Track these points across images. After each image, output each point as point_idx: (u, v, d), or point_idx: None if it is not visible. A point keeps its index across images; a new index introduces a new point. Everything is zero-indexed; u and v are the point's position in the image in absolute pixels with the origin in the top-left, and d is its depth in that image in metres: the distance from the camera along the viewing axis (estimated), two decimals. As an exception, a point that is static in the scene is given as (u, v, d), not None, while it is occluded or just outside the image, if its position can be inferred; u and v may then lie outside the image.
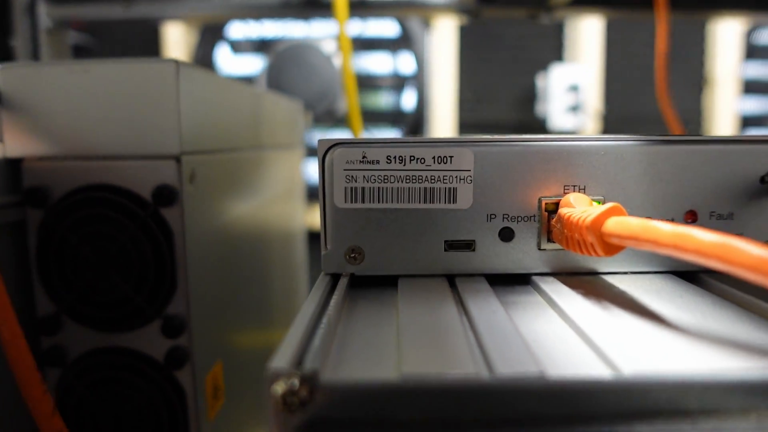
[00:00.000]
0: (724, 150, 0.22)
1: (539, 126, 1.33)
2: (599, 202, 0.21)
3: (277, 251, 0.51)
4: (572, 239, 0.20)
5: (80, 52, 0.87)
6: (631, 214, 0.21)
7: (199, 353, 0.33)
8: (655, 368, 0.13)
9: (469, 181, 0.21)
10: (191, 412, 0.33)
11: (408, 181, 0.21)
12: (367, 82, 1.36)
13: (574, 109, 1.22)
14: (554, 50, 1.35)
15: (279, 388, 0.12)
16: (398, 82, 1.34)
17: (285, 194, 0.53)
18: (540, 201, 0.21)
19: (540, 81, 1.32)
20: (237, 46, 1.33)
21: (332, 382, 0.13)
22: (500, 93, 1.35)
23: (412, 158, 0.21)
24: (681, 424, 0.13)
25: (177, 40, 1.23)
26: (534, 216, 0.21)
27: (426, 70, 1.29)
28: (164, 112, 0.30)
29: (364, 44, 1.32)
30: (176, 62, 0.29)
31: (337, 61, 1.29)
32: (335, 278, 0.21)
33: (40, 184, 0.31)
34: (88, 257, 0.31)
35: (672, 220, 0.22)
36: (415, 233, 0.21)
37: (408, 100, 1.32)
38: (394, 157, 0.21)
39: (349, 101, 0.54)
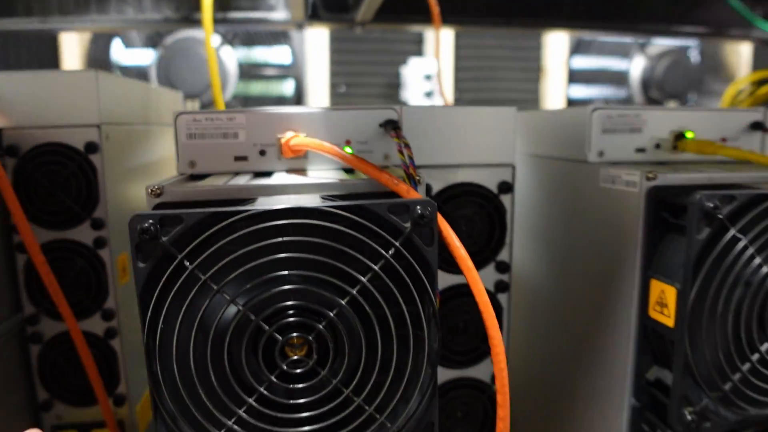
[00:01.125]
0: (363, 113, 0.51)
1: (402, 110, 1.64)
2: (305, 136, 0.50)
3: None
4: (285, 152, 0.48)
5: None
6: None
7: (113, 242, 0.59)
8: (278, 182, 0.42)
9: (243, 128, 0.50)
10: (110, 279, 0.59)
11: (215, 129, 0.49)
12: (251, 72, 1.62)
13: (429, 94, 1.54)
14: (415, 45, 1.66)
15: (149, 189, 0.40)
16: (279, 73, 1.61)
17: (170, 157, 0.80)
18: (277, 137, 0.50)
19: (404, 71, 1.63)
20: (129, 41, 1.55)
21: (167, 189, 0.41)
22: (369, 81, 1.65)
23: (217, 119, 0.49)
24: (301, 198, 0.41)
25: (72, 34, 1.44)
26: (275, 144, 0.50)
27: (302, 62, 1.58)
28: (90, 100, 0.56)
29: (248, 38, 1.59)
30: (96, 72, 0.56)
31: (223, 54, 1.54)
32: (182, 175, 0.49)
33: (14, 143, 0.56)
34: (45, 185, 0.57)
35: (339, 144, 0.51)
36: (219, 153, 0.50)
37: (288, 88, 1.59)
38: (208, 119, 0.49)
39: (215, 94, 0.81)
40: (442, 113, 0.54)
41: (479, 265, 0.54)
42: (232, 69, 1.55)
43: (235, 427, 0.37)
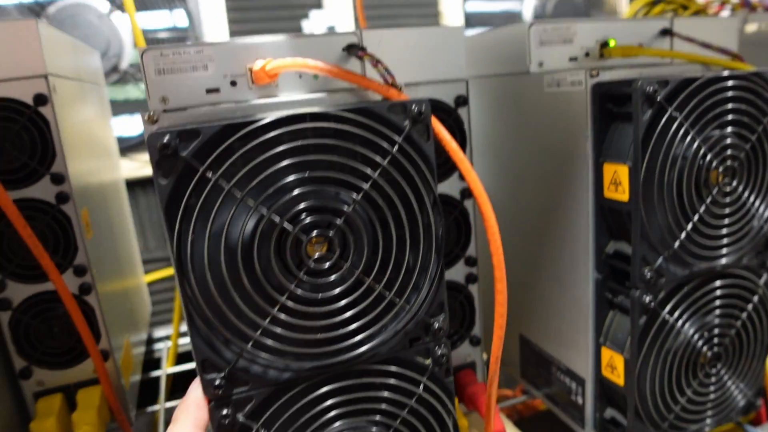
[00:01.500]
0: (325, 38, 0.54)
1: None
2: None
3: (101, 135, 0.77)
4: (260, 78, 0.51)
5: None
6: (288, 69, 0.53)
7: (76, 197, 0.59)
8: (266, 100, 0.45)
9: (212, 60, 0.51)
10: (76, 232, 0.59)
11: (184, 63, 0.51)
12: (147, 38, 1.57)
13: (335, 47, 1.57)
14: (314, -3, 1.67)
15: (145, 116, 0.42)
16: (175, 36, 1.57)
17: (99, 111, 0.79)
18: (247, 66, 0.52)
19: (305, 24, 1.63)
20: (4, 13, 1.45)
21: (163, 116, 0.42)
22: (271, 39, 1.64)
23: (185, 53, 0.50)
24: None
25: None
26: (246, 74, 0.52)
27: (199, 23, 1.54)
28: (34, 50, 0.55)
29: (140, 3, 1.53)
30: (36, 20, 0.55)
31: (114, 19, 1.48)
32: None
33: (-45, 100, 0.54)
34: (-4, 142, 0.56)
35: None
36: (190, 87, 0.51)
37: (188, 51, 1.56)
38: (176, 53, 0.50)
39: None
40: (398, 35, 0.57)
41: (447, 174, 0.59)
42: (126, 36, 1.50)
43: (270, 326, 0.40)
